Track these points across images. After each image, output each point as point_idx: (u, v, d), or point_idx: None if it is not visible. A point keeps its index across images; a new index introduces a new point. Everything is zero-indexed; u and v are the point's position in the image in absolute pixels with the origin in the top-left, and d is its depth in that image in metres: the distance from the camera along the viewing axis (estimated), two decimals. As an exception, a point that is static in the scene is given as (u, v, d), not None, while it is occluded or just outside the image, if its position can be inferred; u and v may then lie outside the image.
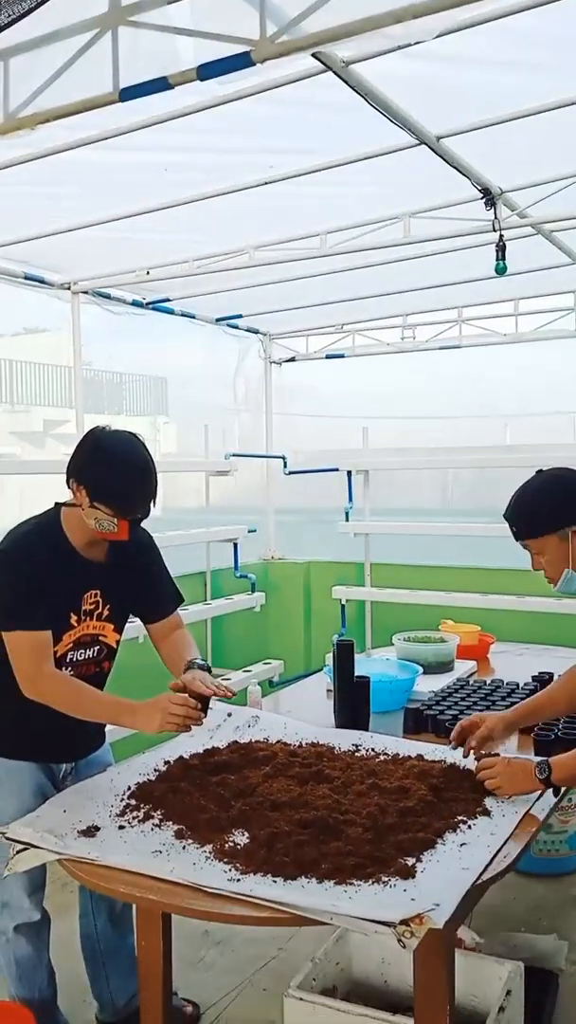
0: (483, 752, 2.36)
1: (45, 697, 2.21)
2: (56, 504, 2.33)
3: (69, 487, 2.22)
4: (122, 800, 2.20)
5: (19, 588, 2.19)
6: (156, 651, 2.57)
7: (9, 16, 1.84)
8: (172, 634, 2.56)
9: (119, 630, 2.46)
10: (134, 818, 2.09)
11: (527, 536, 2.22)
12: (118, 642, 2.47)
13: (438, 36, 1.81)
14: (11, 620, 2.20)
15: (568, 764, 2.12)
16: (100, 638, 2.41)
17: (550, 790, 2.16)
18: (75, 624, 2.32)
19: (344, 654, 2.87)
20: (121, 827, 2.05)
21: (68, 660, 2.33)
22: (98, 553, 2.33)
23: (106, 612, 2.39)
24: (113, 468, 2.17)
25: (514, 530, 2.24)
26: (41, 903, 2.45)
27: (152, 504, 2.22)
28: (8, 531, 2.31)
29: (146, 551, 2.48)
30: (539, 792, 2.20)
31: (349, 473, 5.48)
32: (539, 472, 2.28)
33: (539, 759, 2.17)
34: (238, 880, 1.78)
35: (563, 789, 2.20)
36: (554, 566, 2.20)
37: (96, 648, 2.41)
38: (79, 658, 2.36)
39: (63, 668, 2.31)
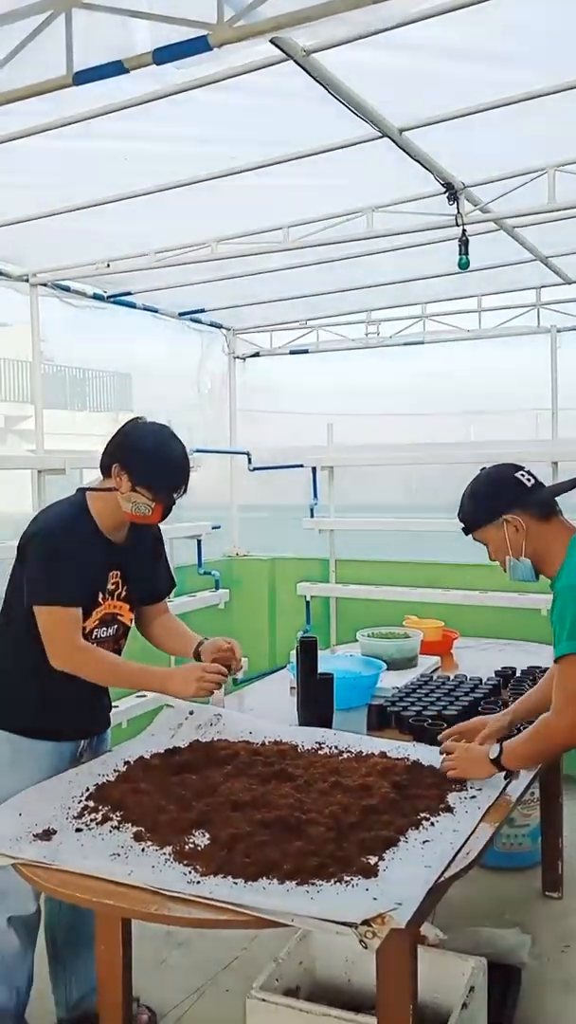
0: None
1: (79, 667, 2.34)
2: (79, 490, 2.46)
3: (107, 473, 2.36)
4: (80, 802, 2.15)
5: (54, 565, 2.32)
6: (141, 630, 2.68)
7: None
8: (161, 616, 2.71)
9: (132, 610, 2.57)
10: (92, 820, 2.05)
11: (470, 530, 2.38)
12: (132, 621, 2.59)
13: (398, 25, 1.79)
14: (47, 595, 2.31)
15: (516, 747, 2.22)
16: (118, 617, 2.52)
17: (502, 774, 2.23)
18: (100, 602, 2.44)
19: (307, 651, 2.84)
20: (79, 830, 2.00)
21: (94, 637, 2.43)
22: (119, 537, 2.46)
23: (124, 592, 2.51)
24: (154, 456, 2.34)
25: (462, 527, 2.40)
26: (39, 896, 2.41)
27: (185, 491, 2.38)
28: (40, 513, 2.49)
29: (157, 538, 2.65)
30: (503, 784, 2.21)
31: (314, 469, 5.47)
32: (481, 470, 2.41)
33: (494, 745, 2.25)
34: (198, 882, 1.74)
35: (520, 774, 2.27)
36: (499, 555, 2.35)
37: (115, 627, 2.51)
38: (102, 635, 2.46)
39: (120, 624, 2.49)
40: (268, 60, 2.40)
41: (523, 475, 2.32)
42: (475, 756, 2.28)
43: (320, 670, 2.85)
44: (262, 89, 2.62)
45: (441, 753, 2.35)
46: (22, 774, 2.32)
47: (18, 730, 2.39)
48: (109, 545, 2.43)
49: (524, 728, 2.35)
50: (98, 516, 2.41)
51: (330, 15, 1.63)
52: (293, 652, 2.95)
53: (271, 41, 2.11)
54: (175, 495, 2.36)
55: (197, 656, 2.57)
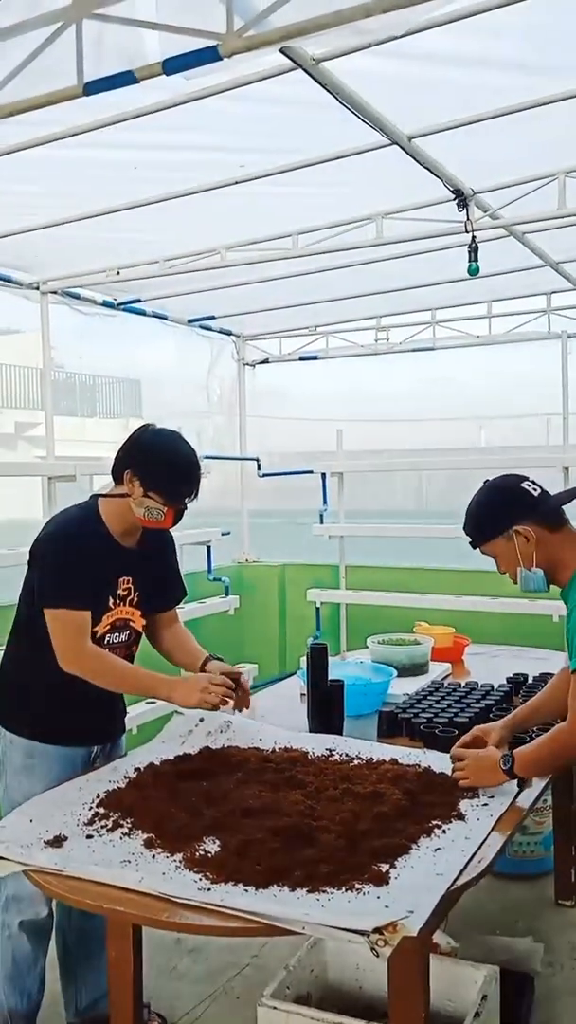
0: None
1: (88, 671, 2.35)
2: (92, 496, 2.48)
3: (119, 480, 2.38)
4: (91, 808, 2.15)
5: (64, 568, 2.34)
6: (150, 639, 2.68)
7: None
8: (172, 625, 2.71)
9: (144, 617, 2.58)
10: (103, 827, 2.05)
11: (478, 543, 2.35)
12: (144, 627, 2.60)
13: (408, 33, 1.79)
14: (57, 598, 2.33)
15: (529, 755, 2.20)
16: (130, 623, 2.53)
17: (514, 782, 2.21)
18: (111, 607, 2.46)
19: (318, 657, 2.84)
20: (89, 836, 2.00)
21: (106, 642, 2.45)
22: (131, 543, 2.48)
23: (136, 598, 2.52)
24: (165, 461, 2.36)
25: (469, 541, 2.37)
26: (50, 901, 2.40)
27: (196, 496, 2.40)
28: (53, 518, 2.49)
29: (169, 546, 2.66)
30: (515, 793, 2.20)
31: (323, 475, 5.47)
32: (485, 482, 2.39)
33: (505, 752, 2.23)
34: (208, 889, 1.74)
35: (533, 782, 2.25)
36: (510, 567, 2.31)
37: (127, 632, 2.52)
38: (114, 641, 2.48)
39: (132, 629, 2.50)
40: (278, 69, 2.42)
41: (529, 485, 2.30)
42: (486, 764, 2.25)
43: (330, 677, 2.84)
44: (271, 97, 2.64)
45: (452, 762, 2.33)
46: (36, 779, 2.34)
47: (33, 735, 2.40)
48: (120, 550, 2.45)
49: (536, 734, 2.34)
50: (109, 521, 2.42)
51: (339, 24, 1.63)
52: (303, 658, 2.94)
53: (280, 50, 2.12)
54: (186, 500, 2.38)
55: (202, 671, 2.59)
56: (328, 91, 2.49)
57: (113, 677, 2.41)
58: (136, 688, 2.53)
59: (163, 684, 2.43)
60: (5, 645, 2.56)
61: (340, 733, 2.71)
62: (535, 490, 2.29)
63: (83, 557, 2.35)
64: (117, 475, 2.39)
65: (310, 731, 2.75)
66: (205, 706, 2.42)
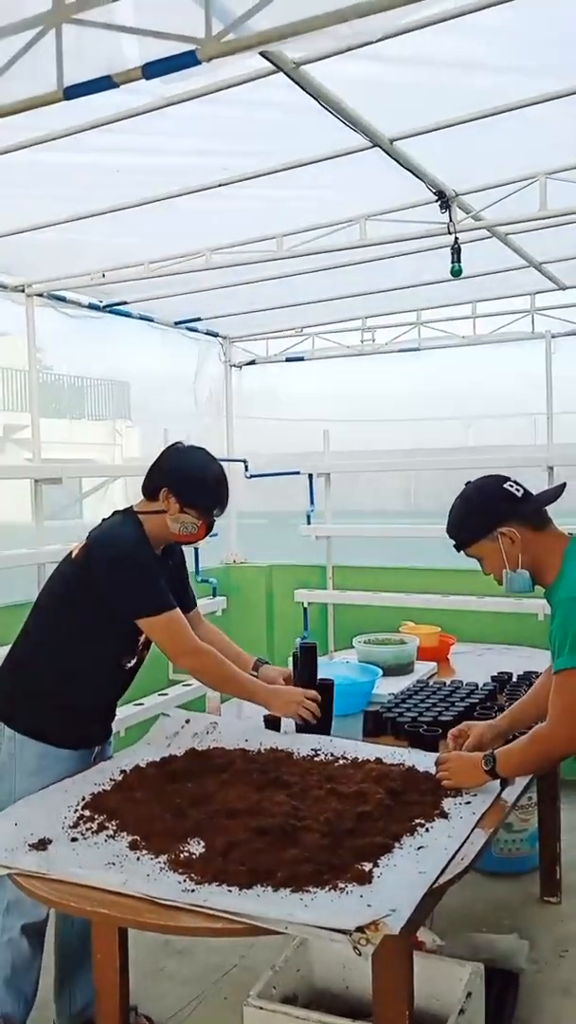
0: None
1: (199, 666, 2.53)
2: (125, 511, 2.57)
3: (153, 496, 2.51)
4: (76, 811, 2.16)
5: (149, 578, 2.46)
6: None
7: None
8: (201, 625, 2.86)
9: None
10: (87, 829, 2.06)
11: (462, 546, 2.35)
12: None
13: (385, 37, 1.81)
14: (156, 605, 2.44)
15: (510, 755, 2.22)
16: None
17: (496, 781, 2.23)
18: None
19: (308, 657, 2.83)
20: (74, 839, 2.01)
21: (147, 643, 2.57)
22: (160, 554, 2.61)
23: None
24: (200, 479, 2.51)
25: (453, 544, 2.38)
26: None
27: (224, 509, 2.56)
28: (106, 534, 2.52)
29: (181, 555, 2.81)
30: (499, 790, 2.22)
31: (310, 476, 5.48)
32: (467, 484, 2.39)
33: (487, 752, 2.24)
34: (192, 891, 1.75)
35: (516, 780, 2.27)
36: (495, 569, 2.31)
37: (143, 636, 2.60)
38: (143, 643, 2.59)
39: (145, 651, 2.60)
40: (258, 72, 2.42)
41: (511, 486, 2.30)
42: (468, 765, 2.27)
43: (320, 676, 2.84)
44: (253, 100, 2.64)
45: (436, 764, 2.33)
46: (45, 780, 2.37)
47: (47, 738, 2.44)
48: (160, 562, 2.58)
49: (519, 733, 2.36)
50: (149, 535, 2.53)
51: (317, 29, 1.64)
52: (290, 658, 2.94)
53: (261, 54, 2.13)
54: (216, 514, 2.54)
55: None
56: (309, 94, 2.50)
57: (221, 676, 2.58)
58: (238, 690, 2.64)
59: (262, 691, 2.63)
60: (10, 649, 2.58)
61: (328, 732, 2.71)
62: (517, 491, 2.30)
63: (156, 565, 2.51)
64: (150, 491, 2.52)
65: (297, 731, 2.75)
66: (297, 718, 2.64)
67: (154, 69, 1.84)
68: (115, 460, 17.10)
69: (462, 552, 2.36)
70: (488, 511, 2.29)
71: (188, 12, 1.81)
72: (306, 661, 2.83)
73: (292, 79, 2.40)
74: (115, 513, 2.61)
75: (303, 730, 2.72)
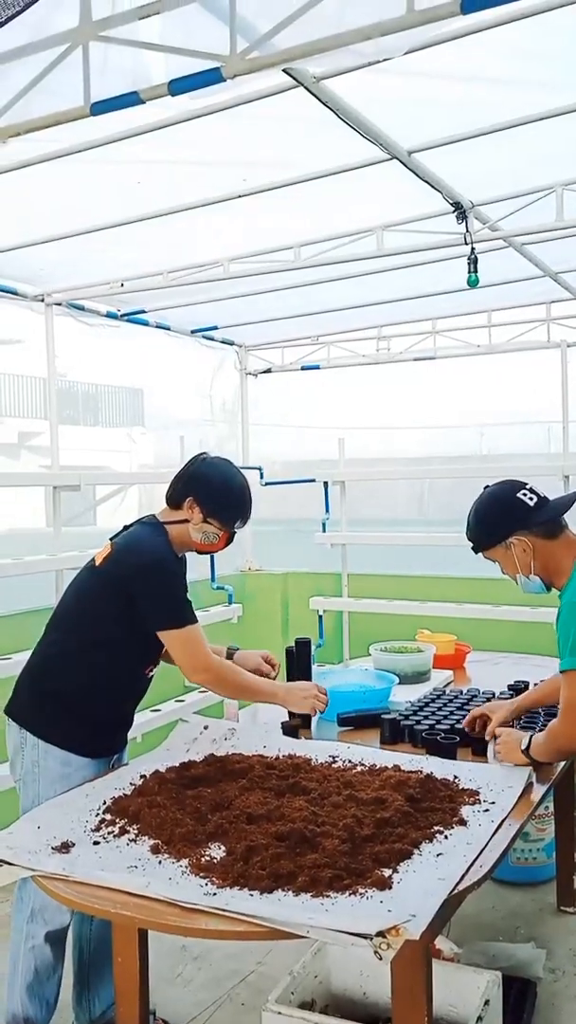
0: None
1: (215, 679, 2.53)
2: (150, 520, 2.60)
3: (176, 506, 2.56)
4: (97, 815, 2.18)
5: (177, 590, 2.50)
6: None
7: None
8: None
9: None
10: (109, 833, 2.08)
11: (480, 549, 2.45)
12: None
13: (407, 53, 1.83)
14: (182, 618, 2.47)
15: (541, 741, 2.35)
16: None
17: (521, 784, 2.31)
18: None
19: (303, 651, 3.01)
20: (96, 843, 2.03)
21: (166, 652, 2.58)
22: None
23: None
24: (224, 490, 2.57)
25: (471, 546, 2.47)
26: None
27: (246, 521, 2.61)
28: (136, 542, 2.53)
29: (186, 566, 2.80)
30: (516, 799, 2.23)
31: (325, 484, 5.50)
32: (485, 488, 2.47)
33: (530, 733, 2.42)
34: (214, 894, 1.76)
35: (535, 788, 2.33)
36: (510, 572, 2.43)
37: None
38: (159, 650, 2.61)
39: (161, 660, 2.63)
40: (279, 87, 2.46)
41: (525, 494, 2.35)
42: (512, 743, 2.42)
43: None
44: (273, 113, 2.68)
45: (488, 738, 2.55)
46: (69, 787, 2.38)
47: (71, 748, 2.46)
48: (181, 569, 2.63)
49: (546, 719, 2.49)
50: (173, 544, 2.57)
51: (341, 47, 1.67)
52: (284, 654, 3.06)
53: (282, 69, 2.16)
54: (239, 525, 2.59)
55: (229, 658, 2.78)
56: (329, 108, 2.53)
57: (237, 685, 2.60)
58: (256, 694, 2.69)
59: (279, 691, 2.68)
60: (33, 657, 2.60)
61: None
62: (531, 499, 2.34)
63: (181, 577, 2.57)
64: (174, 501, 2.57)
65: (290, 717, 2.83)
66: (312, 712, 2.72)
67: (180, 85, 1.88)
68: (129, 467, 17.23)
69: (480, 554, 2.46)
70: (500, 520, 2.37)
71: (213, 29, 1.84)
72: (302, 655, 3.00)
73: (312, 93, 2.44)
74: (139, 520, 2.63)
75: (288, 734, 2.78)
